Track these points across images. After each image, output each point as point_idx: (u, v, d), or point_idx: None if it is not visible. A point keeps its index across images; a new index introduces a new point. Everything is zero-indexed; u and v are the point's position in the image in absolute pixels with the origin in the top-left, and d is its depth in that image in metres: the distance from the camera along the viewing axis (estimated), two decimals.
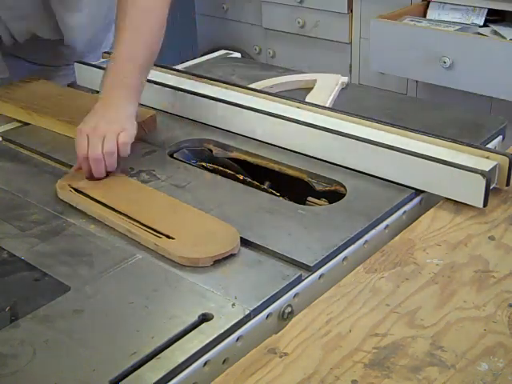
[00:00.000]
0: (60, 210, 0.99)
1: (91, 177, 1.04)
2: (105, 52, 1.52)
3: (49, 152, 1.16)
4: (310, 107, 1.18)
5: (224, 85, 1.29)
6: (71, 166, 1.11)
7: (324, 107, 1.19)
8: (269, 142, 1.16)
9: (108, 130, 1.03)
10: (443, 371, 0.68)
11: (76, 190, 1.01)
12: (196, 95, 1.25)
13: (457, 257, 0.87)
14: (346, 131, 1.07)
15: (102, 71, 1.38)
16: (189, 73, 1.36)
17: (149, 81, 1.31)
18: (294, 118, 1.13)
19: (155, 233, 0.89)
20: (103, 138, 1.03)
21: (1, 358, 0.71)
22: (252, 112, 1.18)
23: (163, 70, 1.40)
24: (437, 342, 0.72)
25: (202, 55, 1.67)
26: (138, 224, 0.92)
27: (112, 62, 1.11)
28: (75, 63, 1.45)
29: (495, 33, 2.08)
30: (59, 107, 1.27)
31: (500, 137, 1.17)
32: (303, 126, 1.11)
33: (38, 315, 0.77)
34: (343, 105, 1.28)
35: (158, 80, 1.33)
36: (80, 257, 0.88)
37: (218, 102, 1.21)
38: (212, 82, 1.31)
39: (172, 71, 1.39)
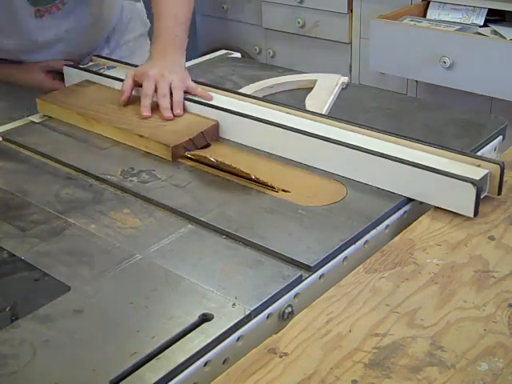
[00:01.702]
0: (60, 210, 0.99)
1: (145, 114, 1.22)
2: (94, 55, 1.51)
3: (49, 152, 1.16)
4: (301, 113, 1.16)
5: (217, 90, 1.28)
6: (71, 166, 1.11)
7: (314, 113, 1.17)
8: (262, 149, 1.14)
9: (173, 76, 1.26)
10: (443, 371, 0.68)
11: (190, 158, 1.12)
12: (190, 101, 1.24)
13: (457, 257, 0.87)
14: (337, 138, 1.05)
15: (90, 74, 1.38)
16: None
17: None
18: (284, 124, 1.11)
19: (271, 188, 1.02)
20: (170, 82, 1.25)
21: (1, 358, 0.71)
22: (244, 119, 1.16)
23: None
24: (437, 342, 0.72)
25: (202, 55, 1.67)
26: (253, 182, 1.04)
27: (160, 27, 1.34)
28: (64, 66, 1.44)
29: (495, 33, 2.08)
30: (116, 113, 1.25)
31: (500, 137, 1.17)
32: (293, 133, 1.09)
33: (37, 315, 0.77)
34: (343, 105, 1.28)
35: None
36: (80, 257, 0.88)
37: (210, 109, 1.20)
38: (204, 86, 1.30)
39: None
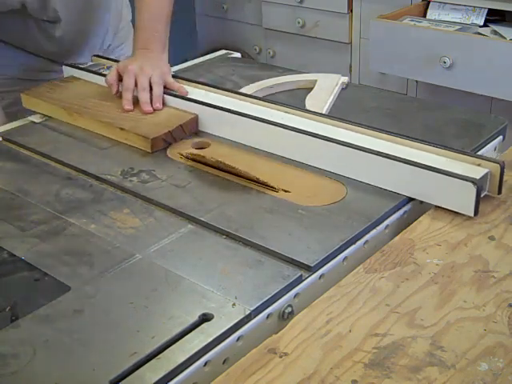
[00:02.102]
0: (60, 210, 0.99)
1: (126, 109, 1.25)
2: (94, 55, 1.51)
3: (49, 152, 1.16)
4: (301, 112, 1.16)
5: (217, 90, 1.28)
6: (71, 166, 1.11)
7: (315, 112, 1.17)
8: (260, 148, 1.14)
9: (153, 71, 1.28)
10: (443, 371, 0.68)
11: (186, 157, 1.12)
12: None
13: (457, 257, 0.87)
14: (337, 137, 1.06)
15: (90, 74, 1.39)
16: (177, 76, 1.35)
17: None
18: (285, 124, 1.11)
19: (271, 188, 1.02)
20: (150, 77, 1.27)
21: (1, 358, 0.71)
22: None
23: None
24: (437, 342, 0.72)
25: (202, 55, 1.67)
26: (253, 182, 1.03)
27: (142, 23, 1.37)
28: (63, 66, 1.45)
29: (495, 33, 2.08)
30: (99, 108, 1.27)
31: (500, 137, 1.17)
32: (293, 132, 1.09)
33: (38, 315, 0.77)
34: (343, 105, 1.28)
35: None
36: (80, 257, 0.88)
37: (211, 108, 1.20)
38: (201, 86, 1.30)
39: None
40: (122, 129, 1.19)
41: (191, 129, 1.21)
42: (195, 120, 1.21)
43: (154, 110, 1.24)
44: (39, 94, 1.34)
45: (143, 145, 1.15)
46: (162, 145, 1.16)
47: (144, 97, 1.25)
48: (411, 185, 0.98)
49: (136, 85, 1.27)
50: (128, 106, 1.25)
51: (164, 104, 1.26)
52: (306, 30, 2.62)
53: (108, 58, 1.50)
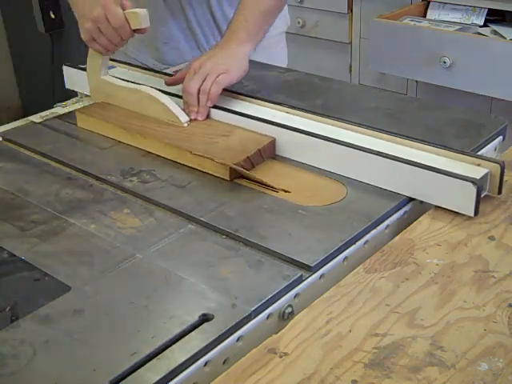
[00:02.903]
0: (60, 209, 0.99)
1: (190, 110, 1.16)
2: None
3: (49, 152, 1.16)
4: (301, 112, 1.15)
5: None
6: (71, 166, 1.11)
7: (316, 113, 1.16)
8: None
9: (212, 69, 1.15)
10: (443, 371, 0.68)
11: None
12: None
13: (457, 257, 0.87)
14: (337, 137, 1.05)
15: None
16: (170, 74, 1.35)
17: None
18: (285, 124, 1.11)
19: (271, 188, 1.01)
20: (206, 75, 1.14)
21: (1, 358, 0.71)
22: (243, 118, 1.16)
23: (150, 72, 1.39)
24: (437, 342, 0.72)
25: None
26: (253, 182, 1.03)
27: (236, 12, 1.24)
28: (64, 66, 1.43)
29: (495, 33, 2.08)
30: (161, 128, 1.16)
31: (500, 137, 1.16)
32: (293, 132, 1.09)
33: (38, 315, 0.77)
34: (343, 105, 1.28)
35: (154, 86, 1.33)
36: (80, 257, 0.88)
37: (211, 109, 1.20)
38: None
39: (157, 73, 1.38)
40: (195, 154, 1.07)
41: (269, 153, 1.09)
42: (273, 143, 1.10)
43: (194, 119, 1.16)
44: (94, 113, 1.24)
45: (221, 172, 1.04)
46: (238, 172, 1.05)
47: (188, 100, 1.15)
48: (411, 185, 0.98)
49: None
50: (193, 115, 1.15)
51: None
52: (306, 30, 2.62)
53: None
